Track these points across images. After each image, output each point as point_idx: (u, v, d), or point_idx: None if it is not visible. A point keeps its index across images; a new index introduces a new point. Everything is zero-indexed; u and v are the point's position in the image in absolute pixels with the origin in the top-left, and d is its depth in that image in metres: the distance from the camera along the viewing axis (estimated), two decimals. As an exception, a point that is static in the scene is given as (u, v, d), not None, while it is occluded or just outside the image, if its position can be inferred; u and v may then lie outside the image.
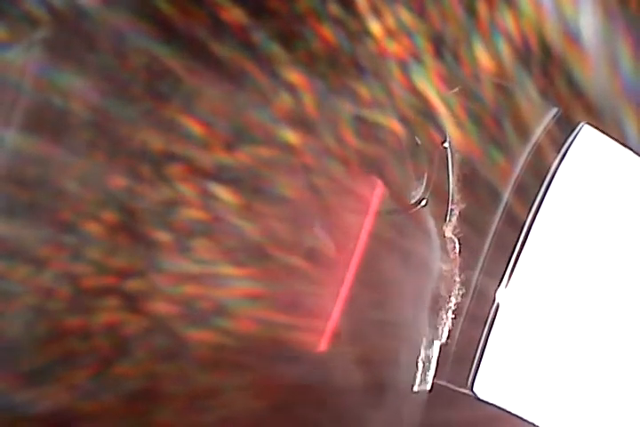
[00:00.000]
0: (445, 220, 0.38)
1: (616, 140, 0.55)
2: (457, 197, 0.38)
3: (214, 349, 0.32)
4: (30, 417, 0.31)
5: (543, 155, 0.92)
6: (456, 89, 0.36)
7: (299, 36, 0.33)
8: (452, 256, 0.39)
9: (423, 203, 0.36)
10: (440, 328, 0.39)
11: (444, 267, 0.39)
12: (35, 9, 0.32)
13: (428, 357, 0.37)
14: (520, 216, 0.98)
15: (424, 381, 0.37)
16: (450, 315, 0.39)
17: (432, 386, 0.38)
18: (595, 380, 0.97)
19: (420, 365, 0.37)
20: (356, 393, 0.34)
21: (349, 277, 0.34)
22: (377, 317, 0.35)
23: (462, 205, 0.39)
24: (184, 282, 0.32)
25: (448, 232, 0.39)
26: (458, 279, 0.40)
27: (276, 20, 0.33)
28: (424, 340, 0.37)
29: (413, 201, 0.36)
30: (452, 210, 0.38)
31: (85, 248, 0.31)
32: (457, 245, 0.39)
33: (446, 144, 0.37)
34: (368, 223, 0.34)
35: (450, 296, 0.39)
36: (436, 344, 0.38)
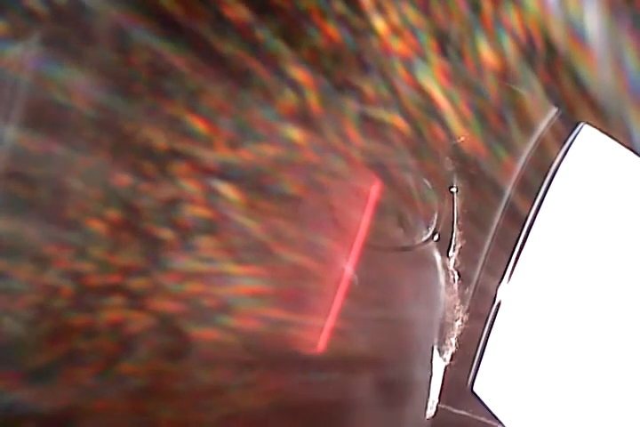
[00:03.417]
0: (448, 254, 0.40)
1: (619, 138, 0.55)
2: (458, 233, 0.40)
3: (218, 347, 0.32)
4: (35, 415, 0.31)
5: (546, 151, 0.92)
6: (462, 138, 0.38)
7: (303, 33, 0.33)
8: (454, 287, 0.41)
9: (436, 238, 0.38)
10: (446, 352, 0.40)
11: (448, 297, 0.40)
12: (35, 4, 0.32)
13: (435, 378, 0.38)
14: (522, 212, 0.98)
15: (431, 403, 0.38)
16: (454, 341, 0.40)
17: (436, 409, 0.39)
18: (595, 378, 0.97)
19: (429, 386, 0.38)
20: (360, 391, 0.34)
21: (352, 274, 0.34)
22: (380, 317, 0.35)
23: (463, 241, 0.40)
24: (188, 280, 0.32)
25: (450, 265, 0.40)
26: (461, 308, 0.41)
27: (280, 17, 0.33)
28: (432, 359, 0.38)
29: (427, 236, 0.38)
30: (454, 245, 0.40)
31: (89, 246, 0.31)
32: (457, 277, 0.41)
33: (453, 189, 0.39)
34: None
35: (454, 323, 0.41)
36: (441, 366, 0.39)
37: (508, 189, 0.94)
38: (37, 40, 0.32)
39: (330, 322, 0.33)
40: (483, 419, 0.81)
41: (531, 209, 0.98)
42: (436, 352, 0.39)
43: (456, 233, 0.39)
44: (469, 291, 0.94)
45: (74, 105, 0.32)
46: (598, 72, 0.45)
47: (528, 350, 1.05)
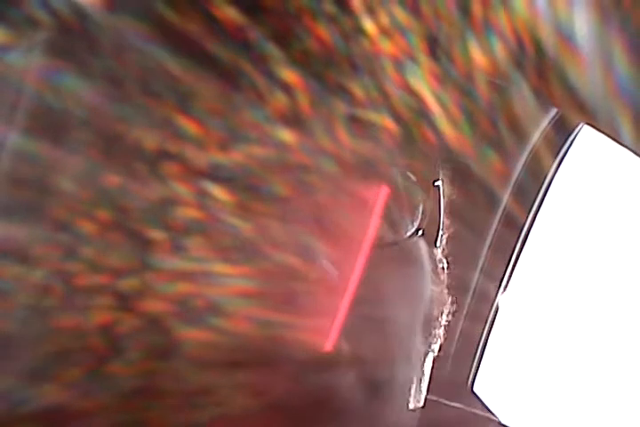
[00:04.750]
0: (436, 243, 0.40)
1: (610, 139, 0.56)
2: (446, 222, 0.40)
3: (208, 347, 0.32)
4: (25, 415, 0.31)
5: (541, 157, 0.92)
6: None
7: (294, 35, 0.33)
8: (442, 277, 0.41)
9: (420, 233, 0.38)
10: (433, 344, 0.40)
11: (435, 288, 0.40)
12: (36, 12, 0.32)
13: (422, 371, 0.38)
14: (519, 218, 0.98)
15: (418, 395, 0.38)
16: (442, 332, 0.40)
17: (425, 401, 0.39)
18: (594, 382, 0.97)
19: (415, 379, 0.38)
20: (351, 391, 0.35)
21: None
22: (366, 314, 0.35)
23: (451, 229, 0.41)
24: (178, 280, 0.32)
25: (438, 254, 0.40)
26: (448, 299, 0.41)
27: (270, 18, 0.33)
28: (418, 354, 0.38)
29: (411, 231, 0.38)
30: (442, 235, 0.40)
31: (79, 247, 0.32)
32: (446, 267, 0.41)
33: (438, 183, 0.39)
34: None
35: (441, 315, 0.41)
36: (430, 358, 0.39)
37: (505, 195, 0.94)
38: (38, 47, 0.33)
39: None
40: (477, 411, 0.81)
41: (528, 214, 0.98)
42: (423, 345, 0.39)
43: (443, 223, 0.39)
44: (468, 295, 0.95)
45: (65, 106, 0.32)
46: (587, 74, 0.45)
47: (527, 350, 1.05)
